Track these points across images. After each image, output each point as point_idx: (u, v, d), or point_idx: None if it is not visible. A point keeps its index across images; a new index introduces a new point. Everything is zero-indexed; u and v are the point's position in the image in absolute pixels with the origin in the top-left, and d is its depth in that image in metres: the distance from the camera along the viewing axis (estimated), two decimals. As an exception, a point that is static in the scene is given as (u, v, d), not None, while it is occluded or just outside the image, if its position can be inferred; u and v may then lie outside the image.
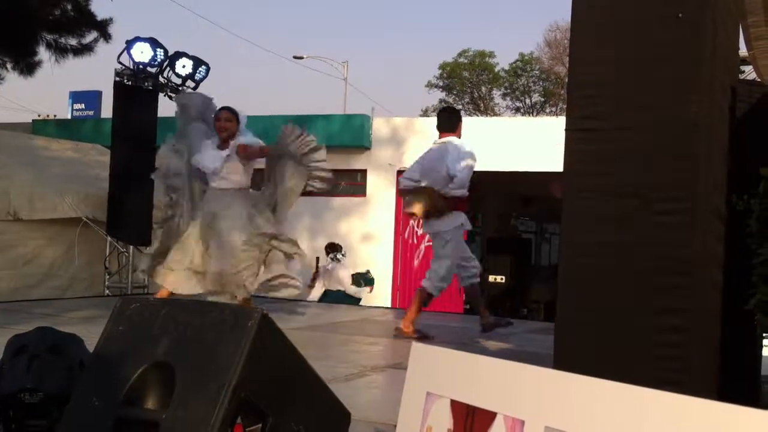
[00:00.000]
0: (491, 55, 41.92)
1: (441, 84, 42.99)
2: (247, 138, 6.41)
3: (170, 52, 9.09)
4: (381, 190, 16.19)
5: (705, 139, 2.81)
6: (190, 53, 9.31)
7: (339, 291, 11.26)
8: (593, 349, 2.81)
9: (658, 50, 2.81)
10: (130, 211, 8.60)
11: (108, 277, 9.11)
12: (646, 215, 2.80)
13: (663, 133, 2.79)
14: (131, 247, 9.20)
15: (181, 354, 2.38)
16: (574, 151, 2.95)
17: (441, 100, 43.44)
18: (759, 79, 5.75)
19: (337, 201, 16.48)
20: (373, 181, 16.29)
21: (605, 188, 2.85)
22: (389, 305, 14.62)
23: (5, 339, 2.90)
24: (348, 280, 11.52)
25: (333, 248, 11.83)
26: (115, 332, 2.56)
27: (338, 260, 11.59)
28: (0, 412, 2.62)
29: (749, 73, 8.16)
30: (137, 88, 9.01)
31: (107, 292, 9.01)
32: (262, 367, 2.33)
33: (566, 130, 2.96)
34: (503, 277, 17.32)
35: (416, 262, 16.99)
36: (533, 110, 41.76)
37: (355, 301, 11.14)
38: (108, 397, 2.38)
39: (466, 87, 42.99)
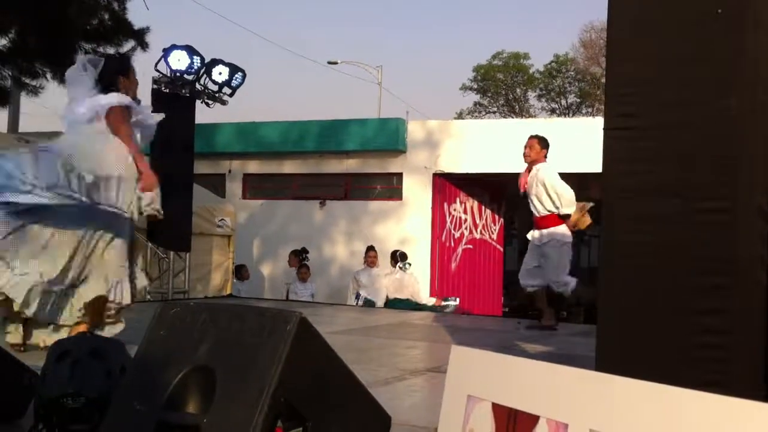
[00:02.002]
0: (526, 56, 41.75)
1: (475, 86, 42.88)
2: None
3: (206, 60, 9.17)
4: (417, 194, 16.18)
5: (746, 136, 2.76)
6: (226, 60, 9.39)
7: (407, 300, 11.26)
8: (635, 350, 2.77)
9: (697, 47, 2.77)
10: (170, 218, 8.67)
11: (149, 282, 9.19)
12: (687, 215, 2.76)
13: (703, 130, 2.75)
14: (171, 252, 9.28)
15: (221, 358, 2.39)
16: (612, 151, 2.91)
17: (476, 103, 43.37)
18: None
19: (374, 205, 16.50)
20: (409, 185, 16.29)
21: (645, 188, 2.82)
22: (427, 309, 14.59)
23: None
24: (418, 289, 11.56)
25: (403, 257, 11.89)
26: (155, 336, 2.58)
27: (405, 269, 11.68)
28: (43, 417, 2.65)
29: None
30: (174, 96, 9.10)
31: (148, 297, 9.11)
32: (301, 370, 2.33)
33: (604, 129, 2.92)
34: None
35: (453, 265, 16.95)
36: (569, 111, 41.48)
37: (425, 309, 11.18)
38: (149, 401, 2.39)
39: (501, 89, 42.81)
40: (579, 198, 7.30)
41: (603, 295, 2.92)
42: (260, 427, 2.17)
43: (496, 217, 19.26)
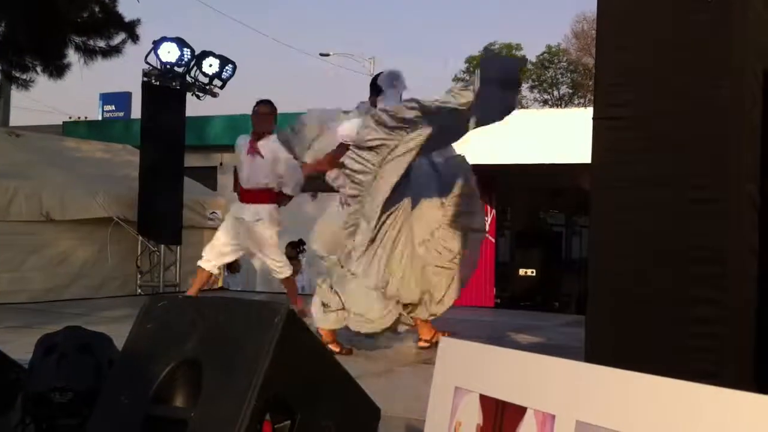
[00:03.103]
0: (518, 47, 41.71)
1: (468, 78, 42.85)
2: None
3: (197, 52, 9.12)
4: (409, 185, 16.12)
5: (737, 125, 2.75)
6: (217, 52, 9.34)
7: None
8: (625, 341, 2.76)
9: (687, 35, 2.76)
10: (161, 211, 8.67)
11: (140, 276, 9.17)
12: (677, 204, 2.75)
13: (693, 119, 2.73)
14: (162, 246, 9.26)
15: (209, 351, 2.38)
16: (601, 141, 2.90)
17: (468, 94, 43.30)
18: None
19: (366, 197, 16.45)
20: (401, 176, 16.21)
21: (634, 178, 2.80)
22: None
23: (37, 339, 2.92)
24: None
25: None
26: (143, 330, 2.57)
27: None
28: (31, 411, 2.63)
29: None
30: (165, 88, 9.06)
31: (139, 291, 9.09)
32: (289, 363, 2.32)
33: (593, 118, 2.91)
34: (533, 271, 17.24)
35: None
36: (561, 102, 41.49)
37: None
38: (137, 394, 2.38)
39: (494, 80, 42.75)
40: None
41: (592, 285, 2.91)
42: (248, 420, 2.16)
43: (488, 208, 19.23)
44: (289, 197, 6.97)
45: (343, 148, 5.21)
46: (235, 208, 7.13)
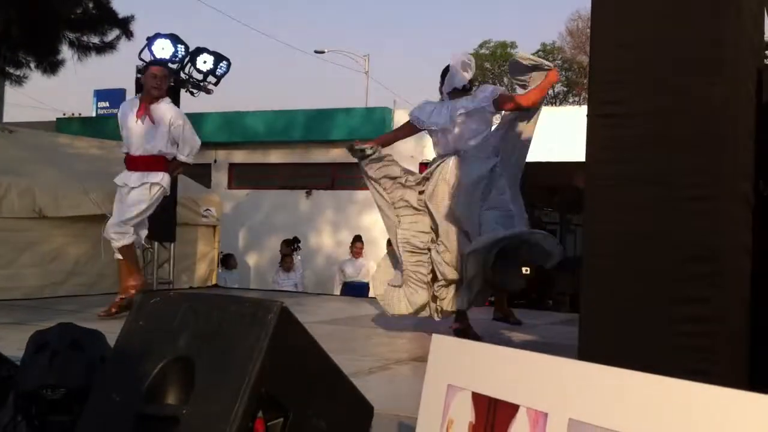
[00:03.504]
0: (513, 45, 41.76)
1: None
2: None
3: (191, 48, 9.10)
4: (404, 183, 16.13)
5: (731, 123, 2.75)
6: (211, 49, 9.32)
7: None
8: (618, 339, 2.76)
9: (681, 33, 2.76)
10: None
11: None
12: (671, 202, 2.75)
13: (687, 117, 2.73)
14: (156, 243, 9.23)
15: (201, 348, 2.37)
16: (595, 138, 2.89)
17: (463, 92, 43.35)
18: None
19: (360, 194, 16.47)
20: (395, 174, 16.22)
21: (628, 175, 2.80)
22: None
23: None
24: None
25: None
26: (135, 327, 2.55)
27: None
28: (22, 408, 2.62)
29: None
30: (159, 84, 9.02)
31: (133, 288, 9.05)
32: (282, 360, 2.31)
33: (588, 115, 2.90)
34: (528, 269, 17.25)
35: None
36: (556, 100, 41.51)
37: None
38: (128, 392, 2.37)
39: (488, 78, 42.78)
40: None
41: (586, 283, 2.91)
42: (240, 417, 2.15)
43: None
44: (182, 164, 6.61)
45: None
46: (120, 177, 6.52)
